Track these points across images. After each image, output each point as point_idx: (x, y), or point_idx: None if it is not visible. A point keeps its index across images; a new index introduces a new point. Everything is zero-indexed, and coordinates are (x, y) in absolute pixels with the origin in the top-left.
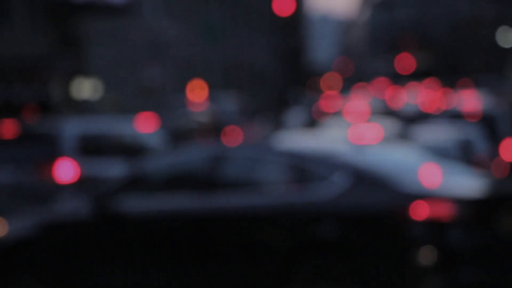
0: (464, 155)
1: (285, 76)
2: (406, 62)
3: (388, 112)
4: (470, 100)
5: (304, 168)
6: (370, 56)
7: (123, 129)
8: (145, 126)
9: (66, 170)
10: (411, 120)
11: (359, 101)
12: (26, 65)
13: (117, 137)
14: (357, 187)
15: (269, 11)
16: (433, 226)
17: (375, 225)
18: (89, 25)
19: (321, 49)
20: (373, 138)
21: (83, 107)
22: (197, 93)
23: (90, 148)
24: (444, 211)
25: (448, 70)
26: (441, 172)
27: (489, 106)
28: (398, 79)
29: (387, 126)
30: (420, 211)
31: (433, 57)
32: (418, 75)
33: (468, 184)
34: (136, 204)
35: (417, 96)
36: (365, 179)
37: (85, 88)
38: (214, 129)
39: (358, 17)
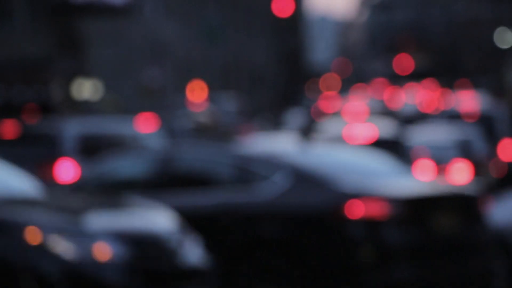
0: (463, 155)
1: (284, 76)
2: (404, 63)
3: (387, 113)
4: (468, 100)
5: (248, 168)
6: (368, 57)
7: (123, 129)
8: (145, 126)
9: (66, 170)
10: (409, 120)
11: (358, 102)
12: (27, 65)
13: (118, 137)
14: (297, 187)
15: (269, 12)
16: (369, 225)
17: (313, 224)
18: (89, 26)
19: (320, 50)
20: (367, 137)
21: (83, 108)
22: (197, 93)
23: (91, 148)
24: (379, 210)
25: (446, 71)
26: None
27: (487, 107)
28: (397, 80)
29: (385, 126)
30: (355, 210)
31: (431, 58)
32: (416, 76)
33: (404, 183)
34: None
35: (415, 96)
36: (304, 179)
37: (86, 89)
38: (214, 129)
39: (357, 18)
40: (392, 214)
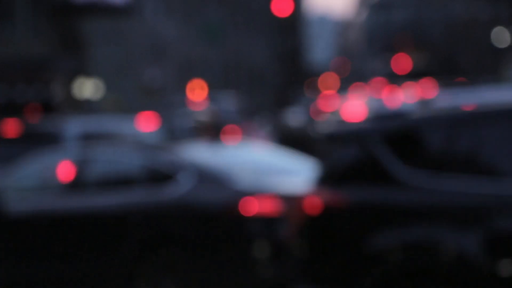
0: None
1: (284, 76)
2: (402, 62)
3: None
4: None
5: (156, 169)
6: (367, 56)
7: (124, 128)
8: (146, 125)
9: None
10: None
11: (356, 101)
12: (29, 65)
13: (119, 136)
14: (199, 186)
15: (268, 12)
16: (263, 221)
17: (213, 221)
18: (91, 26)
19: (319, 49)
20: None
21: (85, 107)
22: (197, 92)
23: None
24: (272, 207)
25: (444, 70)
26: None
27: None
28: (395, 79)
29: None
30: (249, 207)
31: (429, 57)
32: (414, 75)
33: (302, 180)
34: (12, 203)
35: (413, 95)
36: (206, 179)
37: (87, 88)
38: (214, 128)
39: (355, 17)
40: (286, 211)
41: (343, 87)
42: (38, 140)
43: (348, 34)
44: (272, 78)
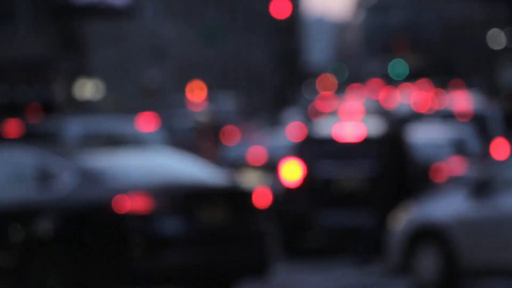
0: (457, 153)
1: (282, 77)
2: (399, 63)
3: (382, 112)
4: (462, 100)
5: (45, 169)
6: (364, 57)
7: (124, 128)
8: (146, 125)
9: None
10: (404, 120)
11: (354, 101)
12: (30, 66)
13: (119, 136)
14: (82, 185)
15: (267, 14)
16: (135, 217)
17: (92, 219)
18: (91, 27)
19: (317, 50)
20: (357, 135)
21: (85, 107)
22: (196, 93)
23: (93, 147)
24: (144, 204)
25: (440, 71)
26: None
27: (480, 106)
28: (392, 80)
29: (377, 125)
30: (122, 205)
31: (426, 59)
32: (411, 76)
33: (176, 179)
34: None
35: (410, 96)
36: (89, 178)
37: (87, 89)
38: (213, 128)
39: (353, 19)
40: (158, 208)
41: (341, 88)
42: (39, 140)
43: (346, 36)
44: (271, 79)
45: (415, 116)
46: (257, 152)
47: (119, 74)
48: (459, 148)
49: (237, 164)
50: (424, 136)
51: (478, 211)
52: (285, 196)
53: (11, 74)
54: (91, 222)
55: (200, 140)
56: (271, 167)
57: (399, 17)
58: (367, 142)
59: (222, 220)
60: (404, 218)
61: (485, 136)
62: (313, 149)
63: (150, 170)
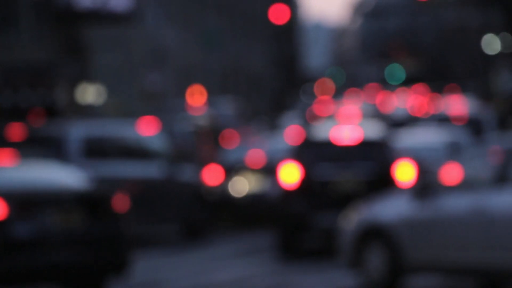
0: (452, 156)
1: (281, 81)
2: (396, 68)
3: (379, 116)
4: (457, 104)
5: None
6: (361, 62)
7: (126, 132)
8: (147, 129)
9: None
10: (400, 123)
11: (351, 106)
12: (33, 71)
13: (121, 140)
14: None
15: (265, 20)
16: None
17: None
18: (93, 32)
19: (315, 55)
20: (353, 139)
21: (87, 112)
22: (196, 97)
23: (95, 150)
24: (1, 209)
25: (436, 76)
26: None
27: (475, 110)
28: (388, 85)
29: (373, 129)
30: None
31: (422, 64)
32: (407, 81)
33: (26, 185)
34: None
35: (406, 101)
36: None
37: (90, 93)
38: (212, 132)
39: (350, 25)
40: (11, 213)
41: (338, 93)
42: (42, 144)
43: (343, 41)
44: (270, 83)
45: (411, 120)
46: (256, 155)
47: (121, 78)
48: (454, 151)
49: (236, 167)
50: (420, 139)
51: (420, 212)
52: (283, 198)
53: (14, 79)
54: None
55: (200, 143)
56: (269, 170)
57: (395, 23)
58: (364, 145)
59: (77, 223)
60: (355, 218)
61: (480, 139)
62: (311, 152)
63: (14, 179)
